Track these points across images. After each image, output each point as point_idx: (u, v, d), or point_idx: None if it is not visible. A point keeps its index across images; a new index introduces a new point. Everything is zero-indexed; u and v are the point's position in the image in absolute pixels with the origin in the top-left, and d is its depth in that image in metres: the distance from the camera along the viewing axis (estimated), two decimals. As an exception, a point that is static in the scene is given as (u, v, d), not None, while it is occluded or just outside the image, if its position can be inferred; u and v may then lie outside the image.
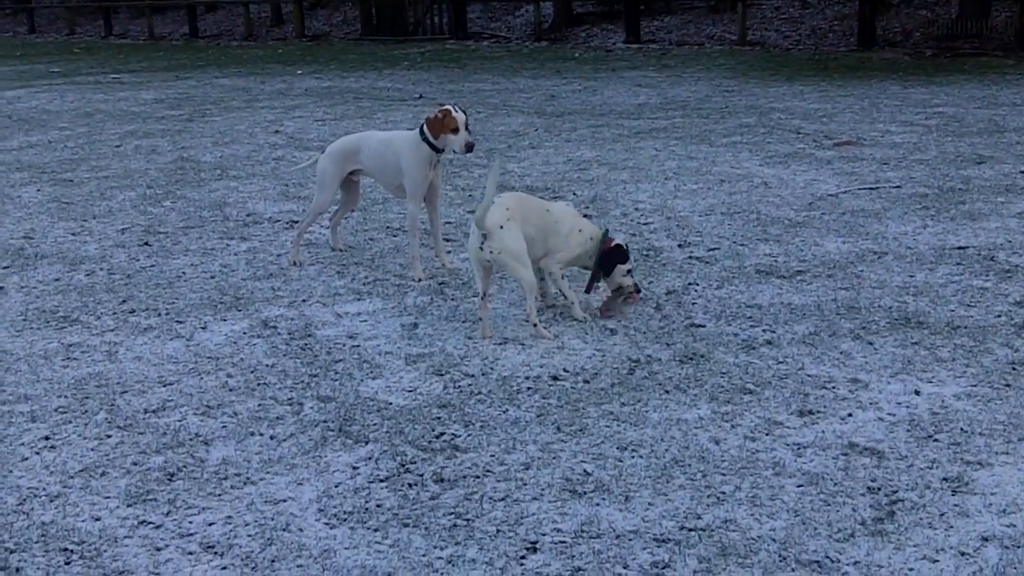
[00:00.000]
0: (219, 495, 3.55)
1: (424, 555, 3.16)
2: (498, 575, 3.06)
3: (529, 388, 4.34)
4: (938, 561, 3.06)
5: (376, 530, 3.31)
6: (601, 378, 4.42)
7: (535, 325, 4.90)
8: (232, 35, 29.57)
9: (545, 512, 3.38)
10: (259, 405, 4.26)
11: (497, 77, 16.81)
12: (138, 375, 4.62)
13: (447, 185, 7.92)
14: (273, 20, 30.26)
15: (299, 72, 18.54)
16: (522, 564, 3.11)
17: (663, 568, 3.06)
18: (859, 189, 7.74)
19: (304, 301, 5.56)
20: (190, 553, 3.22)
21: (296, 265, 6.19)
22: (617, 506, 3.40)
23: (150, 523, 3.39)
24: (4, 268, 6.35)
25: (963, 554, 3.09)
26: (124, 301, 5.66)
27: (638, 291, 5.16)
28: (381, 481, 3.61)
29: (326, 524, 3.35)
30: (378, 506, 3.45)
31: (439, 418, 4.09)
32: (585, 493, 3.49)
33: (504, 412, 4.12)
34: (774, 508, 3.36)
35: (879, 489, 3.46)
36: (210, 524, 3.37)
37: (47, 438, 4.02)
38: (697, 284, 5.64)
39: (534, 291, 4.91)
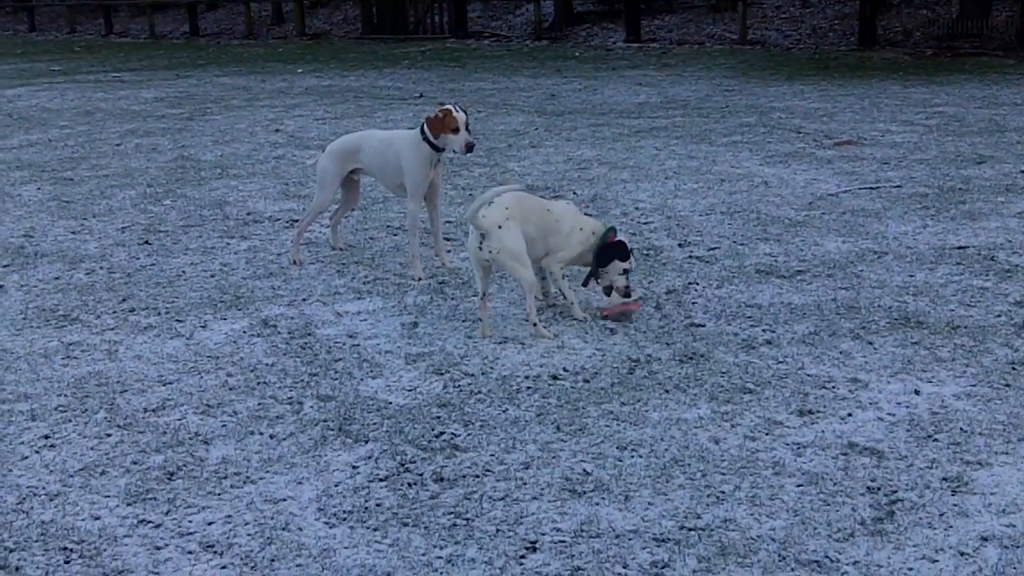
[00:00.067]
0: (219, 494, 3.55)
1: (424, 554, 3.16)
2: (498, 574, 3.06)
3: (529, 387, 4.34)
4: (937, 561, 3.06)
5: (376, 529, 3.31)
6: (601, 377, 4.42)
7: (535, 324, 4.90)
8: (233, 34, 29.57)
9: (545, 511, 3.38)
10: (259, 404, 4.26)
11: (497, 76, 16.80)
12: (138, 374, 4.62)
13: (447, 184, 7.92)
14: (274, 19, 30.27)
15: (299, 71, 18.54)
16: (521, 564, 3.11)
17: (663, 568, 3.06)
18: (859, 189, 7.74)
19: (304, 300, 5.56)
20: (190, 552, 3.22)
21: (296, 264, 6.19)
22: (617, 506, 3.40)
23: (150, 522, 3.39)
24: (4, 266, 6.35)
25: (962, 554, 3.09)
26: (124, 300, 5.66)
27: (628, 294, 5.09)
28: (381, 480, 3.61)
29: (326, 523, 3.35)
30: (378, 505, 3.45)
31: (439, 417, 4.09)
32: (585, 493, 3.49)
33: (504, 411, 4.12)
34: (774, 508, 3.36)
35: (879, 489, 3.46)
36: (210, 523, 3.37)
37: (47, 437, 4.02)
38: (697, 283, 5.64)
39: (534, 290, 4.91)
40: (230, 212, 7.59)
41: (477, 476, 3.62)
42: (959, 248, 6.15)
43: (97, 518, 3.42)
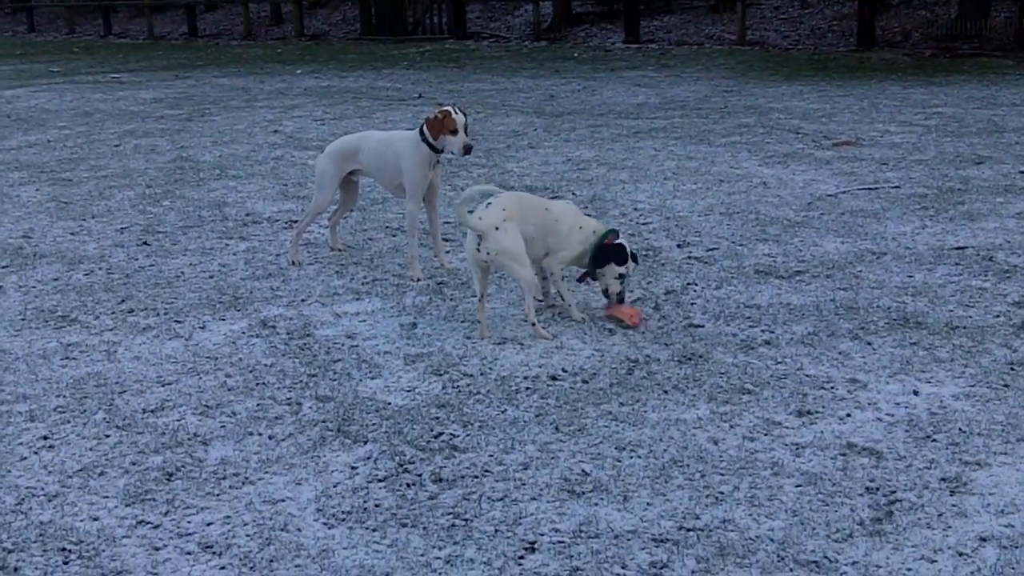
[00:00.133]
0: (217, 495, 3.55)
1: (422, 555, 3.16)
2: (496, 575, 3.06)
3: (528, 388, 4.34)
4: (936, 561, 3.06)
5: (374, 530, 3.31)
6: (600, 378, 4.42)
7: (533, 324, 4.90)
8: (231, 34, 29.57)
9: (543, 512, 3.38)
10: (258, 405, 4.26)
11: (496, 77, 16.81)
12: (137, 375, 4.62)
13: (446, 185, 7.92)
14: (272, 19, 30.26)
15: (298, 72, 18.54)
16: (520, 564, 3.11)
17: (661, 568, 3.06)
18: (858, 189, 7.74)
19: (303, 301, 5.56)
20: (188, 553, 3.22)
21: (295, 265, 6.19)
22: (615, 506, 3.40)
23: (148, 523, 3.39)
24: (3, 267, 6.35)
25: (961, 554, 3.09)
26: (123, 301, 5.66)
27: (622, 300, 5.04)
28: (379, 481, 3.61)
29: (324, 524, 3.35)
30: (376, 506, 3.45)
31: (438, 418, 4.09)
32: (583, 493, 3.49)
33: (503, 412, 4.12)
34: (772, 508, 3.36)
35: (877, 489, 3.46)
36: (208, 524, 3.37)
37: (45, 438, 4.02)
38: (696, 284, 5.64)
39: (533, 290, 4.90)
40: (229, 213, 7.59)
41: (476, 477, 3.62)
42: (958, 248, 6.15)
43: (96, 519, 3.42)
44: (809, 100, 12.75)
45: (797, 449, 3.75)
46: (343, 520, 3.37)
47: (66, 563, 3.18)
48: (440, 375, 4.51)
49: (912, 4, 21.34)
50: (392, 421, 4.07)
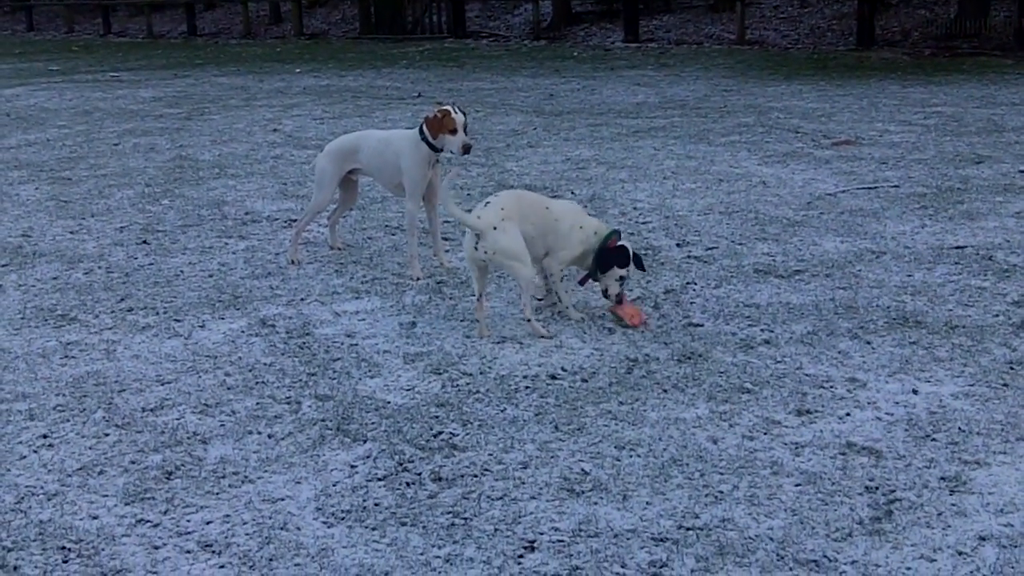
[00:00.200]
0: (217, 494, 3.55)
1: (422, 554, 3.16)
2: (496, 574, 3.06)
3: (527, 387, 4.34)
4: (935, 560, 3.06)
5: (374, 529, 3.31)
6: (599, 377, 4.42)
7: (528, 320, 4.89)
8: (230, 33, 29.55)
9: (543, 511, 3.38)
10: (257, 404, 4.26)
11: (496, 76, 16.80)
12: (136, 374, 4.62)
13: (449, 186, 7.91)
14: (272, 18, 30.25)
15: (298, 71, 18.53)
16: (520, 563, 3.11)
17: (661, 567, 3.07)
18: (857, 188, 7.74)
19: (302, 300, 5.56)
20: (188, 552, 3.22)
21: (294, 264, 6.19)
22: (615, 505, 3.40)
23: (148, 522, 3.39)
24: (2, 266, 6.35)
25: (960, 553, 3.09)
26: (122, 299, 5.66)
27: (619, 301, 5.02)
28: (379, 480, 3.61)
29: (324, 523, 3.35)
30: (376, 505, 3.45)
31: (437, 417, 4.09)
32: (583, 492, 3.49)
33: (502, 411, 4.12)
34: (772, 507, 3.36)
35: (877, 488, 3.46)
36: (208, 523, 3.37)
37: (45, 436, 4.02)
38: (695, 283, 5.65)
39: (531, 288, 4.90)
40: (228, 212, 7.59)
41: (475, 475, 3.62)
42: (957, 248, 6.15)
43: (95, 517, 3.42)
44: (808, 99, 12.75)
45: (796, 448, 3.75)
46: (342, 519, 3.37)
47: (66, 562, 3.18)
48: (439, 374, 4.51)
49: (911, 3, 21.34)
50: (391, 420, 4.07)
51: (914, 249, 6.16)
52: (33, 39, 32.10)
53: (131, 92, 15.65)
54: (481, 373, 4.50)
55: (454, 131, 5.53)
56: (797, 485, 3.50)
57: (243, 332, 5.10)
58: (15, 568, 3.16)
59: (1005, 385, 4.24)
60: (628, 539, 3.21)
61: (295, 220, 6.88)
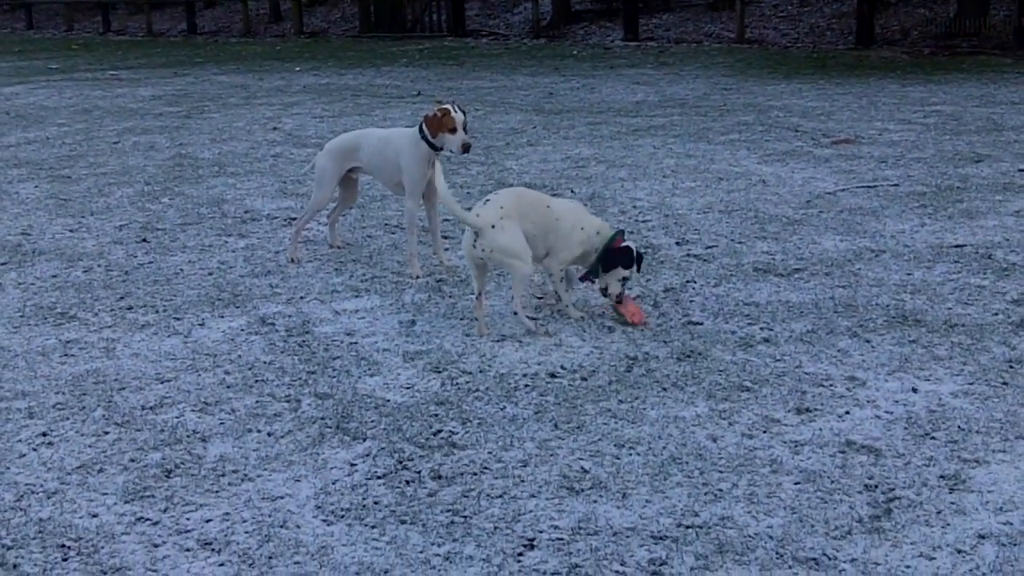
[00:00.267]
0: (216, 492, 3.55)
1: (421, 552, 3.17)
2: (495, 572, 3.06)
3: (527, 385, 4.34)
4: (935, 559, 3.07)
5: (373, 527, 3.31)
6: (599, 375, 4.43)
7: (515, 313, 4.89)
8: (230, 32, 29.55)
9: (542, 509, 3.38)
10: (257, 402, 4.26)
11: (495, 74, 16.80)
12: (136, 372, 4.62)
13: (446, 183, 7.90)
14: (271, 17, 30.23)
15: (297, 69, 18.53)
16: (519, 561, 3.11)
17: (660, 565, 3.07)
18: (857, 187, 7.74)
19: (302, 298, 5.56)
20: (187, 550, 3.22)
21: (294, 262, 6.19)
22: (614, 503, 3.40)
23: (147, 520, 3.39)
24: (2, 264, 6.35)
25: (960, 552, 3.10)
26: (122, 298, 5.66)
27: (619, 301, 5.01)
28: (379, 478, 3.61)
29: (323, 521, 3.36)
30: (375, 503, 3.45)
31: (437, 415, 4.09)
32: (583, 490, 3.49)
33: (502, 409, 4.12)
34: (771, 505, 3.36)
35: (876, 487, 3.46)
36: (207, 521, 3.37)
37: (45, 434, 4.02)
38: (695, 282, 5.65)
39: (524, 282, 4.87)
40: (228, 210, 7.59)
41: (475, 474, 3.62)
42: (957, 246, 6.15)
43: (95, 515, 3.42)
44: (808, 98, 12.75)
45: (796, 446, 3.75)
46: (342, 517, 3.37)
47: (65, 560, 3.18)
48: (439, 372, 4.51)
49: (911, 2, 21.34)
50: (391, 418, 4.07)
51: (913, 248, 6.16)
52: (33, 37, 32.09)
53: (131, 90, 15.65)
54: (481, 371, 4.51)
55: (454, 130, 5.53)
56: (796, 483, 3.50)
57: (243, 330, 5.10)
58: (15, 566, 3.16)
59: (1004, 383, 4.25)
60: (627, 537, 3.21)
61: (295, 218, 6.88)
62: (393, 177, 5.90)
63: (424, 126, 5.64)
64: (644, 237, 6.51)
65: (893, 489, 3.45)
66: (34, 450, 3.89)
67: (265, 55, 22.04)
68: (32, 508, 3.48)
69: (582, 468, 3.64)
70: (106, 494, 3.55)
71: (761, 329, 4.92)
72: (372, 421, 4.05)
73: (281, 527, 3.32)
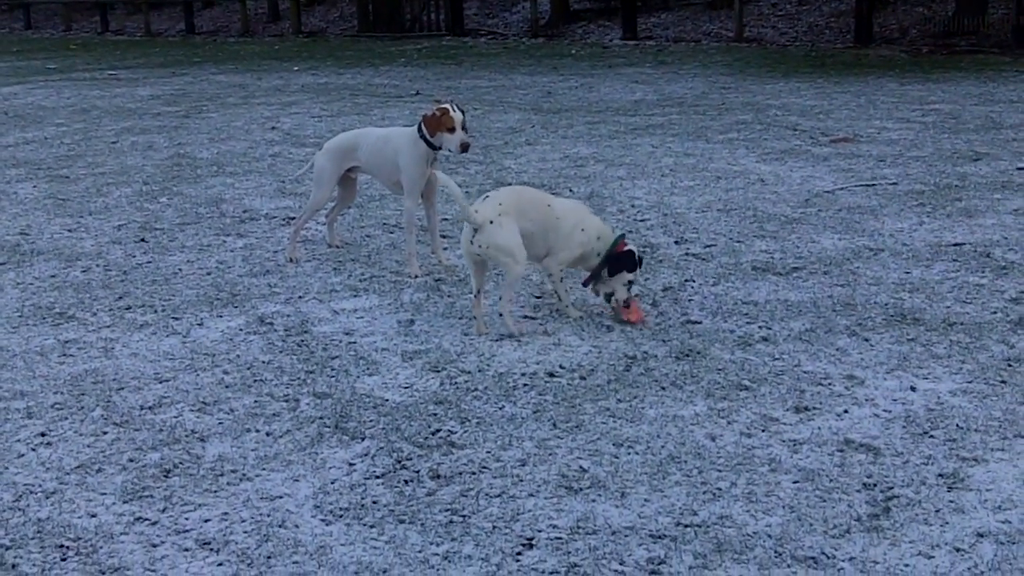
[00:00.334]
0: (215, 491, 3.55)
1: (420, 551, 3.17)
2: (494, 571, 3.06)
3: (525, 384, 4.34)
4: (933, 557, 3.07)
5: (372, 526, 3.31)
6: (597, 375, 4.43)
7: (500, 315, 4.88)
8: (229, 31, 29.53)
9: (541, 508, 3.38)
10: (255, 402, 4.26)
11: (494, 74, 16.80)
12: (134, 371, 4.62)
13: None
14: (270, 16, 30.21)
15: (296, 68, 18.52)
16: (518, 560, 3.11)
17: (659, 564, 3.07)
18: (855, 186, 7.74)
19: (300, 297, 5.56)
20: (186, 550, 3.22)
21: (292, 262, 6.19)
22: (613, 502, 3.40)
23: (146, 519, 3.39)
24: (0, 264, 6.35)
25: (958, 550, 3.10)
26: (120, 297, 5.66)
27: (626, 305, 4.99)
28: (377, 477, 3.61)
29: (322, 520, 3.36)
30: (374, 502, 3.45)
31: (435, 414, 4.09)
32: (581, 489, 3.49)
33: (500, 408, 4.12)
34: (770, 504, 3.36)
35: (875, 485, 3.46)
36: (206, 520, 3.37)
37: (43, 434, 4.01)
38: (693, 281, 5.65)
39: (515, 284, 4.85)
40: (226, 210, 7.58)
41: (473, 473, 3.62)
42: (955, 245, 6.15)
43: (93, 515, 3.42)
44: (806, 97, 12.75)
45: (794, 445, 3.75)
46: (341, 516, 3.37)
47: (64, 560, 3.18)
48: (438, 372, 4.51)
49: (909, 1, 21.34)
50: (390, 418, 4.07)
51: (912, 246, 6.16)
52: (31, 37, 32.07)
53: (129, 90, 15.64)
54: (479, 371, 4.51)
55: (452, 129, 5.53)
56: (795, 482, 3.50)
57: (241, 330, 5.10)
58: (13, 566, 3.16)
59: (1003, 382, 4.25)
60: (626, 536, 3.21)
61: (293, 218, 6.88)
62: (392, 176, 5.90)
63: (423, 125, 5.64)
64: (643, 236, 6.51)
65: (892, 488, 3.45)
66: (33, 450, 3.89)
67: (263, 55, 22.03)
68: (31, 508, 3.48)
69: (581, 467, 3.64)
70: (105, 494, 3.55)
71: (760, 328, 4.92)
72: (371, 420, 4.05)
73: (280, 527, 3.32)
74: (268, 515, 3.39)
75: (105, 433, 4.01)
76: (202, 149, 10.11)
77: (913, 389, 4.20)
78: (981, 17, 19.03)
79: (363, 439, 3.90)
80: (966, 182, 7.75)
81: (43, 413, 4.20)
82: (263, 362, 4.68)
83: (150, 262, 6.32)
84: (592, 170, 8.57)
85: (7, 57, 23.36)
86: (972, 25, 18.94)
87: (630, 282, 4.99)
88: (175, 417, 4.13)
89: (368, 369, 4.56)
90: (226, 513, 3.41)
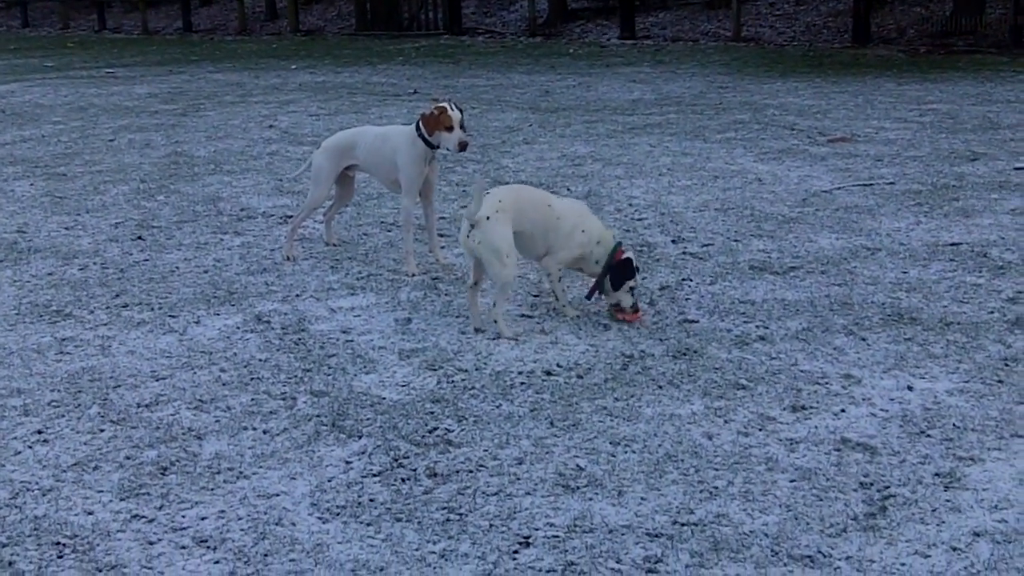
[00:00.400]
0: (212, 489, 3.55)
1: (417, 549, 3.17)
2: (491, 569, 3.06)
3: (522, 383, 4.34)
4: (930, 556, 3.07)
5: (369, 524, 3.31)
6: (594, 373, 4.43)
7: (495, 321, 4.86)
8: (226, 29, 29.52)
9: (538, 507, 3.38)
10: (252, 400, 4.26)
11: (492, 73, 16.79)
12: (131, 369, 4.61)
13: (442, 180, 7.91)
14: (267, 15, 30.22)
15: (293, 67, 18.51)
16: (515, 558, 3.11)
17: (655, 562, 3.07)
18: (853, 185, 7.75)
19: (298, 296, 5.56)
20: (183, 547, 3.22)
21: (290, 260, 6.19)
22: (610, 501, 3.40)
23: (143, 517, 3.39)
24: (-3, 262, 6.34)
25: (955, 549, 3.10)
26: (117, 295, 5.65)
27: (636, 310, 4.98)
28: (374, 476, 3.61)
29: (319, 518, 3.35)
30: (371, 500, 3.45)
31: (432, 413, 4.09)
32: (578, 488, 3.49)
33: (497, 407, 4.12)
34: (767, 503, 3.37)
35: (871, 484, 3.47)
36: (203, 518, 3.37)
37: (40, 432, 4.01)
38: (691, 280, 5.65)
39: (506, 289, 4.81)
40: (223, 208, 7.58)
41: (470, 471, 3.62)
42: (952, 245, 6.16)
43: (90, 513, 3.42)
44: (804, 96, 12.76)
45: (791, 444, 3.76)
46: (338, 514, 3.37)
47: (60, 557, 3.18)
48: (435, 370, 4.51)
49: (907, 1, 21.36)
50: (387, 416, 4.07)
51: (909, 246, 6.17)
52: (28, 35, 32.05)
53: (126, 88, 15.63)
54: (476, 369, 4.51)
55: (450, 128, 5.53)
56: (792, 481, 3.50)
57: (238, 328, 5.10)
58: (10, 564, 3.15)
59: (1000, 381, 4.25)
60: (623, 534, 3.21)
61: (290, 216, 6.88)
62: (390, 175, 5.90)
63: (421, 124, 5.64)
64: (640, 235, 6.51)
65: (888, 487, 3.45)
66: (29, 447, 3.89)
67: (261, 53, 22.03)
68: (27, 506, 3.48)
69: (578, 466, 3.64)
70: (101, 491, 3.55)
71: (757, 327, 4.92)
72: (368, 419, 4.04)
73: (276, 525, 3.32)
74: (265, 513, 3.39)
75: (102, 431, 4.01)
76: (199, 147, 10.10)
77: (910, 388, 4.21)
78: (979, 17, 19.05)
79: (360, 437, 3.90)
80: (963, 182, 7.75)
81: (40, 410, 4.20)
82: (260, 360, 4.68)
83: (147, 260, 6.32)
84: (590, 169, 8.57)
85: (4, 55, 23.35)
86: (970, 25, 18.96)
87: (632, 288, 4.98)
88: (172, 415, 4.13)
89: (365, 367, 4.56)
90: (223, 511, 3.41)
